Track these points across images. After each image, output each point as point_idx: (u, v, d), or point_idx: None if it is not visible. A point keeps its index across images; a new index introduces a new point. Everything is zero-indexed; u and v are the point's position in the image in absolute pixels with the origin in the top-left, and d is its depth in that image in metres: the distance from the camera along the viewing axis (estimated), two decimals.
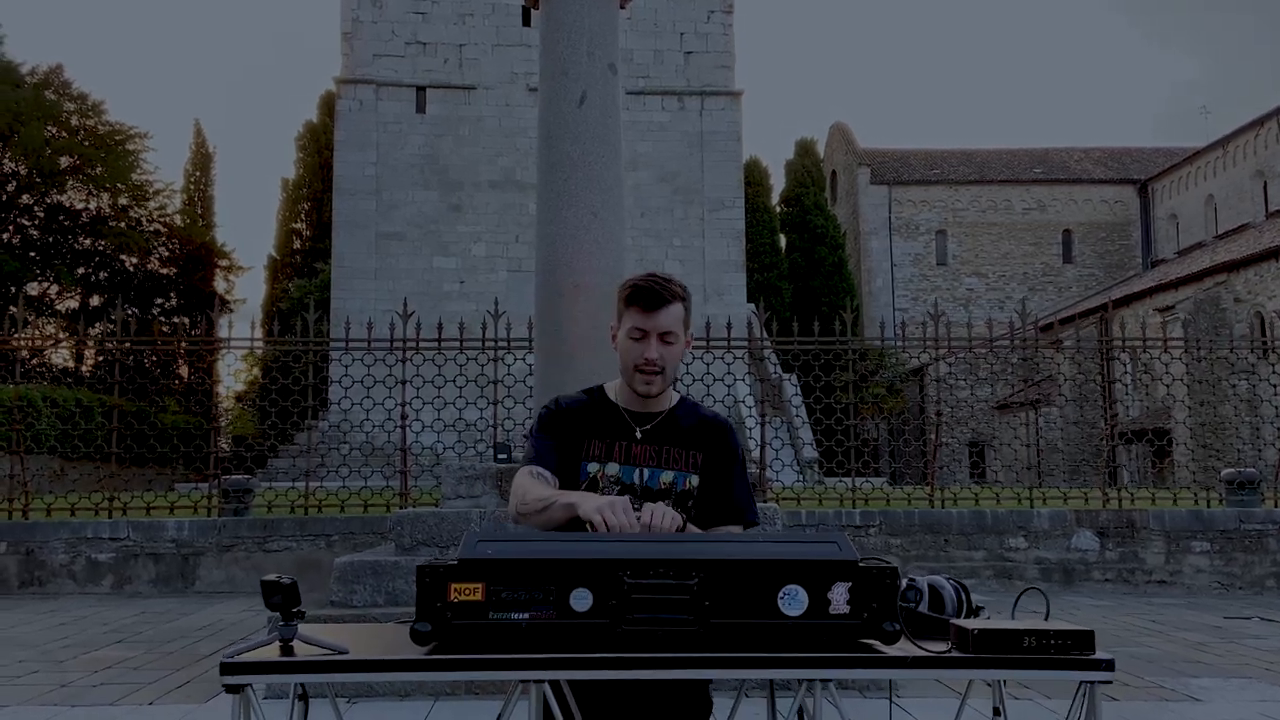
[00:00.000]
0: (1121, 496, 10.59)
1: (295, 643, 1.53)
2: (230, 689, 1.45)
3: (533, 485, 2.32)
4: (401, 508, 10.12)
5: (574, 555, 1.57)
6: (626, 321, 2.39)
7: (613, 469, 2.41)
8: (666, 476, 2.41)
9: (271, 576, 1.56)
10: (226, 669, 1.44)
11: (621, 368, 2.45)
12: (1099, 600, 9.36)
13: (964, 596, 1.79)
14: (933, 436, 12.06)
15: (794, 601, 1.53)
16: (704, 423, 2.52)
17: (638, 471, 2.42)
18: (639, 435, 2.43)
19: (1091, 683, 1.49)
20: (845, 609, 1.53)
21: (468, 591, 1.51)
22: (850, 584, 1.53)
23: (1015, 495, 10.72)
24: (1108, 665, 1.51)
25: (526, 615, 1.53)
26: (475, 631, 1.53)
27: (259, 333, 11.22)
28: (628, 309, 2.39)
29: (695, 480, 2.44)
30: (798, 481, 15.23)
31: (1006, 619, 1.66)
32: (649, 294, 2.36)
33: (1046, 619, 1.64)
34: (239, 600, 9.23)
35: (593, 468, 2.42)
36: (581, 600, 1.53)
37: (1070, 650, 1.51)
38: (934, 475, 10.96)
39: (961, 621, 1.57)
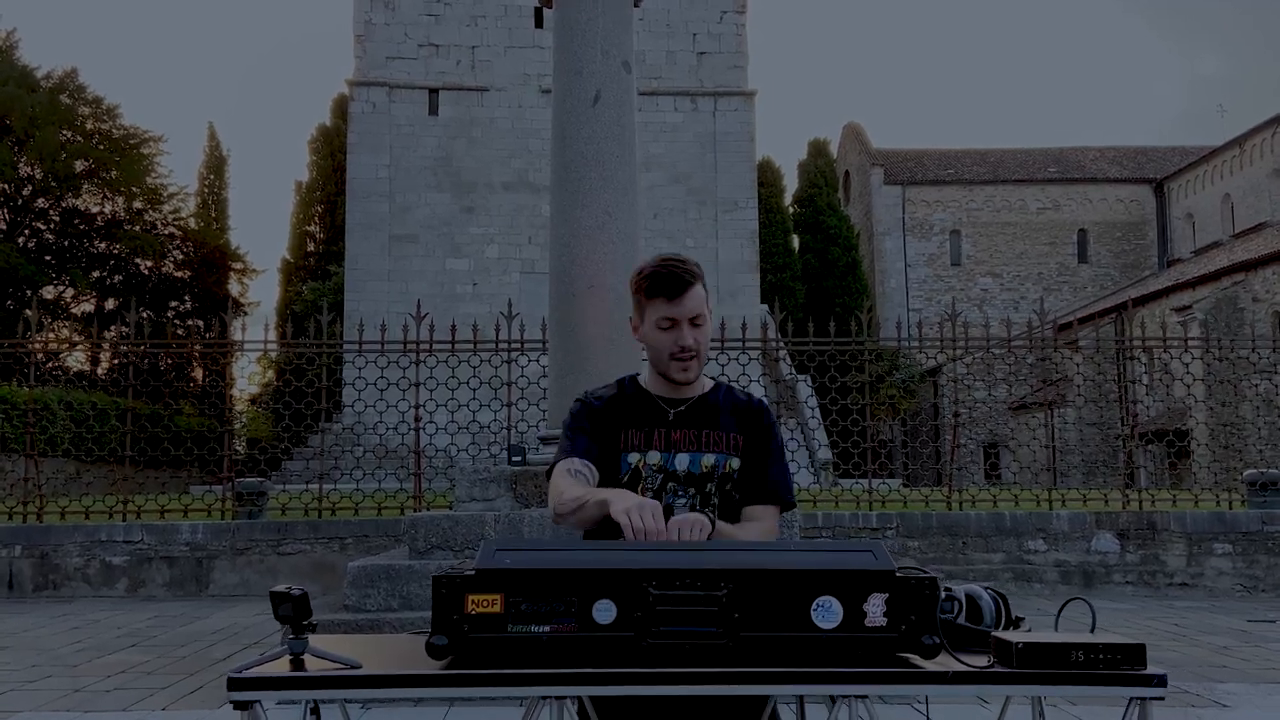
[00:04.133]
0: (1142, 498, 10.47)
1: (306, 656, 1.46)
2: (238, 705, 1.39)
3: (569, 485, 2.26)
4: (415, 510, 10.09)
5: (596, 565, 1.48)
6: (652, 313, 2.33)
7: (654, 457, 2.35)
8: (708, 460, 2.35)
9: (281, 587, 1.49)
10: (234, 684, 1.38)
11: (653, 360, 2.39)
12: (1120, 604, 9.24)
13: (1003, 607, 1.71)
14: (950, 437, 11.96)
15: (828, 613, 1.45)
16: (740, 405, 2.46)
17: (678, 457, 2.36)
18: (673, 417, 2.37)
19: (1143, 699, 1.41)
20: (882, 621, 1.45)
21: (486, 603, 1.43)
22: (887, 595, 1.45)
23: (1034, 497, 10.61)
24: (1160, 681, 1.43)
25: (547, 628, 1.45)
26: (494, 645, 1.45)
27: (273, 335, 11.20)
28: (650, 300, 2.32)
29: (736, 463, 2.38)
30: (814, 484, 15.13)
31: (1049, 631, 1.58)
32: (670, 281, 2.29)
33: (1093, 630, 1.56)
34: (253, 604, 9.19)
35: (633, 458, 2.37)
36: (605, 612, 1.45)
37: (1120, 665, 1.43)
38: (951, 477, 10.85)
39: (1004, 634, 1.49)
